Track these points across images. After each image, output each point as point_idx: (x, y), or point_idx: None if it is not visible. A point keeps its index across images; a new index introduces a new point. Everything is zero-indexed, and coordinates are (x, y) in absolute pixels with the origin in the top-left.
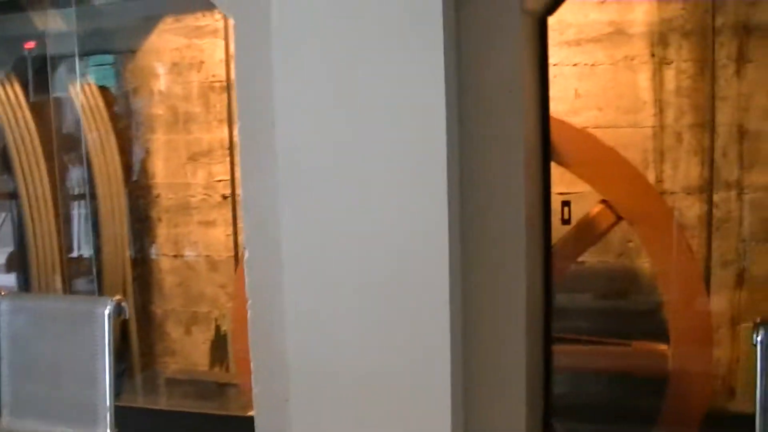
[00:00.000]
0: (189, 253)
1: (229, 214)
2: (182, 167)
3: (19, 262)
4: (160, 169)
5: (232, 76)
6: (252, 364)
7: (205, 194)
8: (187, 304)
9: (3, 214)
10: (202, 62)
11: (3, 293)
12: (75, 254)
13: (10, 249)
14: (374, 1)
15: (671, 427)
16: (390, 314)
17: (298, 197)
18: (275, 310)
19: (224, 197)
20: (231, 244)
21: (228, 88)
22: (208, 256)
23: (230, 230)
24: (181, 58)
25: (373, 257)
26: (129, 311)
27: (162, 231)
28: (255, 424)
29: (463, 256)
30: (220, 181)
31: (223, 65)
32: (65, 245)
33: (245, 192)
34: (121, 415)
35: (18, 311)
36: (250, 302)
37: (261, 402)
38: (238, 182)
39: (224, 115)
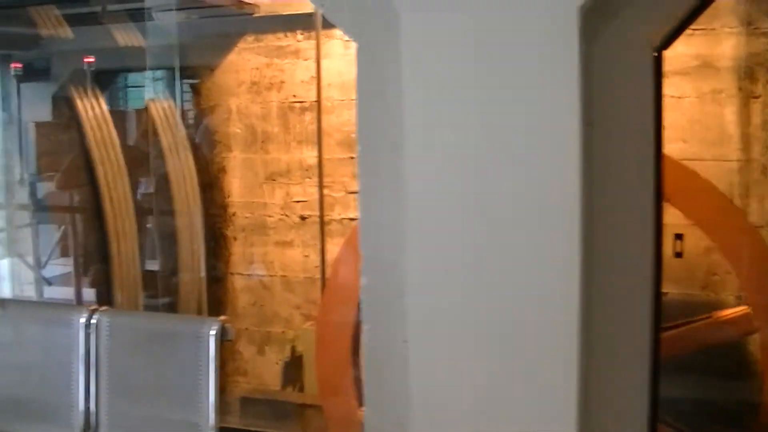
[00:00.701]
0: (264, 273)
1: (307, 236)
2: (259, 186)
3: (101, 277)
4: (236, 188)
5: (319, 95)
6: (366, 389)
7: (283, 214)
8: (261, 324)
9: (62, 227)
10: (282, 82)
11: (101, 309)
12: (150, 269)
13: (67, 260)
14: (509, 32)
15: None
16: (516, 351)
17: (425, 226)
18: (392, 337)
19: (302, 218)
20: (308, 266)
21: (318, 108)
22: (284, 276)
23: (308, 252)
24: (261, 77)
25: (500, 292)
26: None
27: (237, 249)
28: None
29: (587, 290)
30: (298, 202)
31: (303, 86)
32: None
33: (364, 216)
34: None
35: (117, 328)
36: (366, 328)
37: (373, 428)
38: (326, 204)
39: (303, 136)
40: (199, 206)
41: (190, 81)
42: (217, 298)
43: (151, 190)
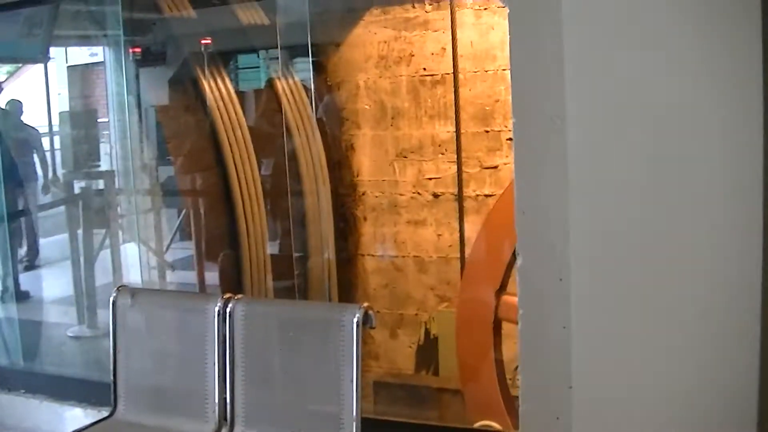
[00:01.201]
0: (395, 253)
1: (441, 214)
2: (390, 164)
3: (232, 262)
4: (365, 166)
5: (456, 67)
6: (521, 380)
7: (415, 192)
8: (393, 306)
9: (184, 210)
10: (411, 55)
11: (237, 297)
12: (279, 253)
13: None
14: None
15: None
16: (690, 341)
17: (592, 206)
18: (550, 322)
19: (435, 196)
20: (442, 245)
21: (455, 81)
22: (416, 256)
23: (441, 230)
24: (389, 51)
25: (673, 281)
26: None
27: (367, 230)
28: None
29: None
30: (431, 179)
31: (434, 58)
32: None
33: (520, 194)
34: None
35: (254, 316)
36: (521, 313)
37: (529, 419)
38: (464, 181)
39: (435, 110)
40: (328, 186)
41: (315, 58)
42: (347, 281)
43: (280, 171)
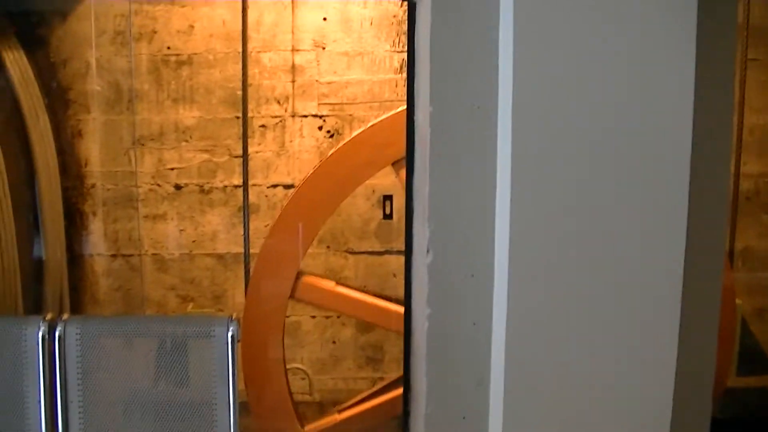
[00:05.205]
0: (131, 251)
1: (183, 207)
2: (125, 153)
3: None
4: (95, 155)
5: (245, 46)
6: (426, 381)
7: (154, 184)
8: (129, 311)
9: None
10: (154, 32)
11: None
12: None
13: None
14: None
15: None
16: (607, 338)
17: (513, 199)
18: (459, 319)
19: (178, 187)
20: (185, 241)
21: (244, 61)
22: (155, 254)
23: (184, 225)
24: (127, 26)
25: (592, 273)
26: None
27: (97, 227)
28: None
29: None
30: (173, 169)
31: (180, 36)
32: None
33: (433, 188)
34: None
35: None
36: (429, 312)
37: (435, 422)
38: (207, 170)
39: (180, 93)
40: (58, 178)
41: (35, 30)
42: (71, 285)
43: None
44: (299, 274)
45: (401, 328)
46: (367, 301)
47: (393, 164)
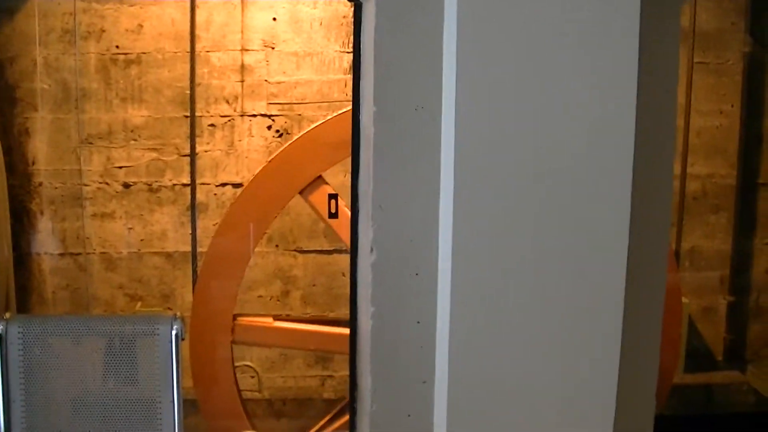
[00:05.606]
0: (79, 250)
1: (132, 205)
2: (72, 151)
3: None
4: (43, 154)
5: (193, 41)
6: (371, 379)
7: (102, 182)
8: (77, 310)
9: None
10: (102, 30)
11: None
12: None
13: None
14: None
15: None
16: (553, 336)
17: (458, 198)
18: (404, 318)
19: (126, 186)
20: (133, 239)
21: (192, 58)
22: (103, 253)
23: (132, 223)
24: (76, 24)
25: (538, 271)
26: None
27: (44, 225)
28: None
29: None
30: (121, 167)
31: (128, 35)
32: None
33: (378, 186)
34: None
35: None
36: (373, 311)
37: (380, 420)
38: (156, 169)
39: (129, 92)
40: (5, 176)
41: None
42: (18, 284)
43: None
44: (235, 317)
45: (347, 349)
46: (308, 330)
47: (300, 192)
